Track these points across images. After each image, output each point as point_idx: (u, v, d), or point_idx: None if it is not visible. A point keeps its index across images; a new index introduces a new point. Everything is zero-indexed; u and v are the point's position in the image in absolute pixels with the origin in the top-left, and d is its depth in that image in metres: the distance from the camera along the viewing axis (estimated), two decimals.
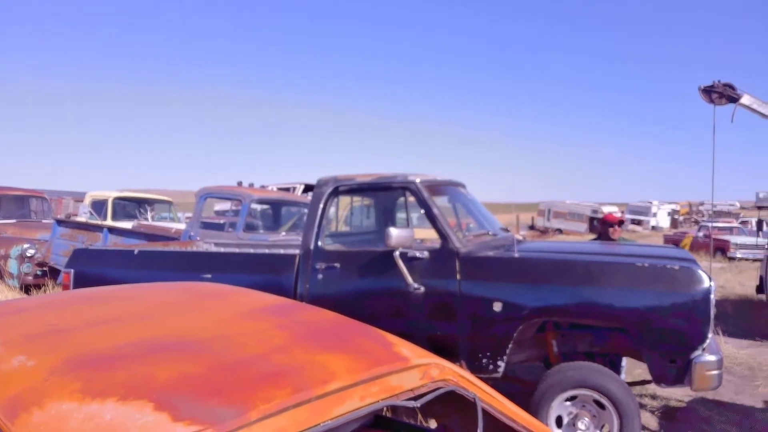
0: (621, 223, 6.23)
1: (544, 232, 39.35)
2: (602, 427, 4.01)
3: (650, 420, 5.30)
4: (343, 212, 6.43)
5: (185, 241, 6.49)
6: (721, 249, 22.61)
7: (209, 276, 4.72)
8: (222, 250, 5.72)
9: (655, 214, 40.02)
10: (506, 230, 5.34)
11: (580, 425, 3.99)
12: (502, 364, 4.21)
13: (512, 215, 44.13)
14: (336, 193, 4.75)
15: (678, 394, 6.12)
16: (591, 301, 3.98)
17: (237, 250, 5.32)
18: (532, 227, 42.58)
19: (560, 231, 38.58)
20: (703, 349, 3.80)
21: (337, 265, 4.54)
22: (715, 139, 4.88)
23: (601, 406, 3.98)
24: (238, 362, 1.59)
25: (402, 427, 2.55)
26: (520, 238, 5.23)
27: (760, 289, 12.52)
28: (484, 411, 1.79)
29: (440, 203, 4.88)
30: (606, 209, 38.77)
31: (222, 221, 8.52)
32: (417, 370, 1.81)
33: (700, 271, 3.84)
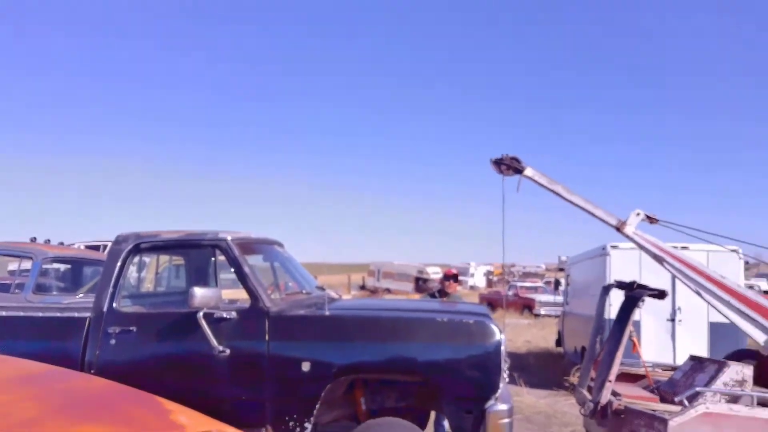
0: (456, 278, 6.59)
1: (374, 291, 40.30)
2: None
3: None
4: (153, 272, 6.05)
5: None
6: (528, 307, 24.74)
7: None
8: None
9: (473, 275, 43.14)
10: (322, 289, 5.37)
11: None
12: (309, 426, 4.13)
13: (344, 276, 44.87)
14: (137, 250, 4.46)
15: None
16: (396, 356, 4.09)
17: (19, 314, 4.72)
18: (362, 287, 43.41)
19: (389, 290, 39.77)
20: (496, 399, 4.06)
21: (134, 328, 4.21)
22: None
23: None
24: None
25: None
26: (336, 296, 5.28)
27: (558, 343, 13.89)
28: None
29: (255, 262, 4.80)
30: (430, 269, 40.85)
31: (9, 282, 7.59)
32: None
33: (492, 325, 4.14)
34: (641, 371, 5.66)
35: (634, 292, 4.67)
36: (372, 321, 4.27)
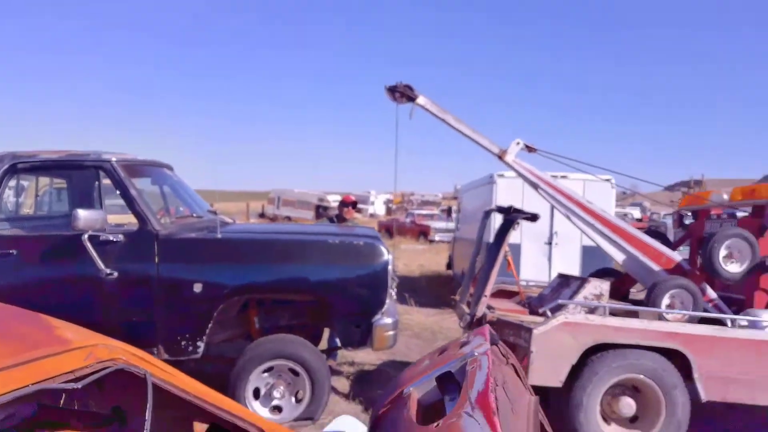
0: (354, 204, 6.72)
1: (273, 219, 40.01)
2: (297, 393, 4.31)
3: (345, 384, 5.86)
4: (33, 196, 5.74)
5: None
6: (424, 233, 25.67)
7: None
8: None
9: (373, 203, 43.82)
10: (214, 212, 5.35)
11: (276, 394, 4.23)
12: (201, 345, 4.24)
13: (243, 203, 44.07)
14: (14, 170, 4.23)
15: (372, 359, 6.87)
16: (288, 277, 4.24)
17: None
18: (262, 215, 42.92)
19: (289, 218, 39.62)
20: (382, 314, 4.33)
21: (14, 251, 4.05)
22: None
23: (296, 373, 4.28)
24: None
25: (71, 415, 2.43)
26: (229, 221, 5.29)
27: (449, 266, 14.68)
28: (160, 387, 1.82)
29: (143, 186, 4.69)
30: (330, 198, 40.99)
31: None
32: (80, 352, 1.75)
33: (381, 246, 4.36)
34: (516, 288, 6.18)
35: (510, 216, 5.04)
36: (264, 243, 4.36)
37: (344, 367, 6.52)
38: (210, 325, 4.20)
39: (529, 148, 5.24)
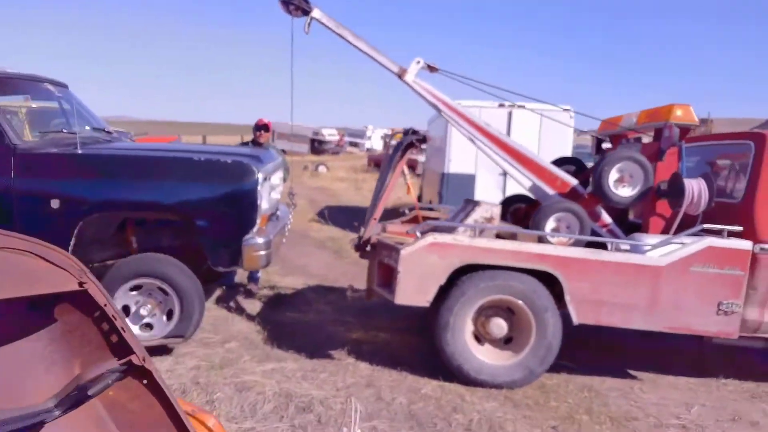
0: (266, 128, 6.51)
1: None
2: (169, 311, 4.27)
3: (256, 307, 5.84)
4: None
5: None
6: (412, 167, 25.43)
7: None
8: None
9: (370, 137, 43.31)
10: (108, 132, 5.20)
11: (143, 311, 4.19)
12: None
13: (237, 136, 43.72)
14: None
15: (297, 283, 6.85)
16: (150, 195, 4.11)
17: None
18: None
19: (284, 152, 39.26)
20: (254, 233, 4.22)
21: None
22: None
23: (166, 292, 4.22)
24: None
25: None
26: (126, 139, 5.14)
27: (420, 198, 14.57)
28: None
29: (13, 100, 4.52)
30: (326, 131, 40.58)
31: None
32: None
33: (250, 164, 4.20)
34: (437, 214, 6.04)
35: (405, 138, 4.84)
36: (125, 160, 4.22)
37: (265, 290, 6.50)
38: (72, 242, 4.11)
39: (431, 68, 4.97)
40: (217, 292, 6.28)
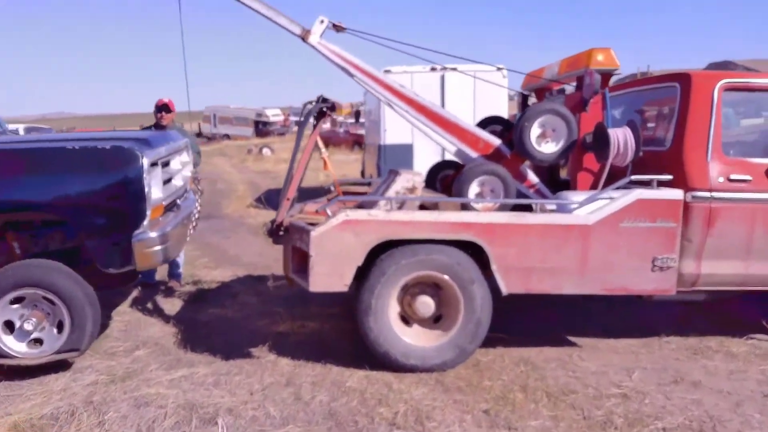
0: (167, 108, 5.91)
1: (211, 138, 38.65)
2: (59, 323, 3.79)
3: (174, 306, 5.38)
4: None
5: None
6: (358, 143, 25.00)
7: None
8: None
9: None
10: None
11: (27, 326, 3.70)
12: None
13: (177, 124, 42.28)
14: None
15: (225, 276, 6.40)
16: (17, 194, 3.60)
17: None
18: (199, 134, 41.41)
19: (228, 137, 38.31)
20: (145, 227, 3.75)
21: None
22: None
23: (53, 302, 3.74)
24: None
25: None
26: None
27: (363, 173, 14.18)
28: None
29: None
30: (270, 112, 39.60)
31: None
32: None
33: (133, 149, 3.71)
34: (365, 189, 5.64)
35: (314, 106, 4.42)
36: None
37: (187, 287, 6.03)
38: None
39: (337, 27, 4.54)
40: (134, 293, 5.79)
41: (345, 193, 5.18)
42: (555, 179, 4.93)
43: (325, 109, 4.46)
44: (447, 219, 3.69)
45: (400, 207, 4.14)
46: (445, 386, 3.51)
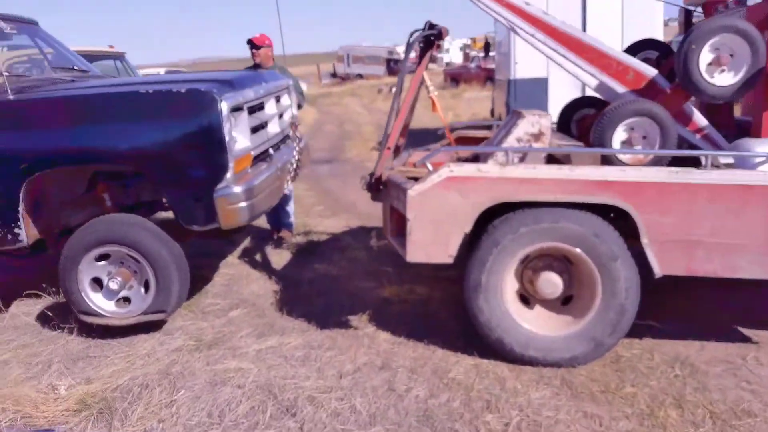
0: (254, 44, 5.44)
1: (345, 78, 38.81)
2: (147, 282, 3.55)
3: (282, 259, 5.07)
4: None
5: None
6: (491, 78, 23.59)
7: None
8: None
9: (447, 51, 40.68)
10: (84, 71, 4.44)
11: (112, 285, 3.49)
12: (21, 232, 3.50)
13: (314, 66, 42.90)
14: None
15: (338, 226, 6.00)
16: (91, 143, 3.31)
17: None
18: (334, 74, 41.81)
19: (361, 76, 38.22)
20: (229, 181, 3.33)
21: None
22: None
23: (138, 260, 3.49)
24: None
25: None
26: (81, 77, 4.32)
27: (492, 112, 13.16)
28: None
29: None
30: (400, 50, 38.74)
31: None
32: None
33: (209, 91, 3.25)
34: (484, 134, 4.85)
35: (417, 34, 3.69)
36: (59, 103, 3.41)
37: (298, 237, 5.70)
38: (20, 208, 3.42)
39: None
40: (245, 243, 5.56)
41: (459, 141, 4.45)
42: (730, 122, 3.82)
43: (432, 38, 3.72)
44: (581, 176, 2.86)
45: (522, 159, 3.36)
46: (573, 390, 2.79)
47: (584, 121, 4.11)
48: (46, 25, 4.74)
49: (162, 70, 19.19)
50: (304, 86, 6.90)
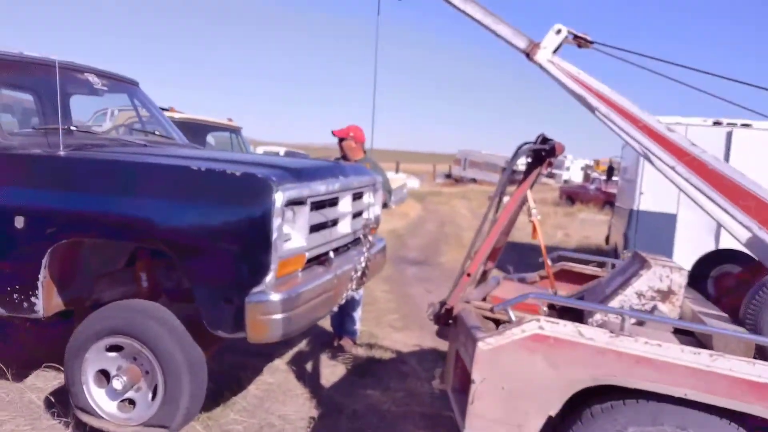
0: (339, 138, 5.02)
1: (458, 180, 38.92)
2: (156, 388, 2.98)
3: (334, 374, 4.38)
4: None
5: None
6: (610, 203, 22.42)
7: None
8: None
9: (568, 168, 39.86)
10: (167, 138, 4.22)
11: (116, 384, 2.95)
12: (38, 302, 3.08)
13: (430, 164, 43.58)
14: None
15: (396, 341, 5.25)
16: (122, 214, 2.87)
17: None
18: (448, 176, 42.17)
19: (474, 180, 38.17)
20: (266, 286, 2.76)
21: None
22: None
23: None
24: None
25: None
26: (171, 142, 4.06)
27: (608, 240, 12.06)
28: None
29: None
30: (520, 161, 38.50)
31: None
32: None
33: (266, 179, 2.76)
34: (596, 271, 4.02)
35: (523, 148, 3.07)
36: (100, 165, 3.05)
37: (360, 349, 5.03)
38: (41, 275, 3.02)
39: (580, 40, 3.15)
40: (300, 345, 4.96)
41: (560, 275, 3.67)
42: None
43: (543, 152, 3.07)
44: (724, 369, 1.99)
45: (641, 322, 2.53)
46: None
47: (724, 281, 3.24)
48: (181, 95, 4.65)
49: (282, 150, 19.89)
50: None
